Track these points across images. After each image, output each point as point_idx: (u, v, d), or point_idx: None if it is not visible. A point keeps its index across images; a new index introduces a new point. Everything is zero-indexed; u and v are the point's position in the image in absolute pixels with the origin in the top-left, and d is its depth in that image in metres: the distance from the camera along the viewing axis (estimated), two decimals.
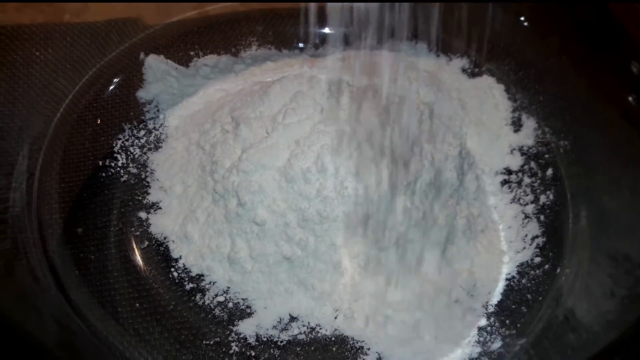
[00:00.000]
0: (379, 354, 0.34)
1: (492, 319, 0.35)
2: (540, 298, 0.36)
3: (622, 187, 0.35)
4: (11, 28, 0.44)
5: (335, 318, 0.36)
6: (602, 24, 0.40)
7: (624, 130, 0.36)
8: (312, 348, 0.35)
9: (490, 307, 0.36)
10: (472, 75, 0.48)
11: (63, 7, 0.48)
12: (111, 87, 0.45)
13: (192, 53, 0.48)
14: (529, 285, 0.37)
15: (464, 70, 0.48)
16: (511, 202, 0.41)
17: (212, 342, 0.35)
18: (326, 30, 0.49)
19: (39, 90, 0.42)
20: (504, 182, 0.42)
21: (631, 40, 0.38)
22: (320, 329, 0.35)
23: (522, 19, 0.46)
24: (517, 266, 0.38)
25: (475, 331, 0.35)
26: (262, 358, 0.34)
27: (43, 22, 0.46)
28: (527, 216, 0.40)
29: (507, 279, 0.37)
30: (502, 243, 0.39)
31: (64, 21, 0.48)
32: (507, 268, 0.38)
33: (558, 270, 0.37)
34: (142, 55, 0.47)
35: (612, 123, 0.37)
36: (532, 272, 0.37)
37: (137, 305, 0.36)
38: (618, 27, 0.39)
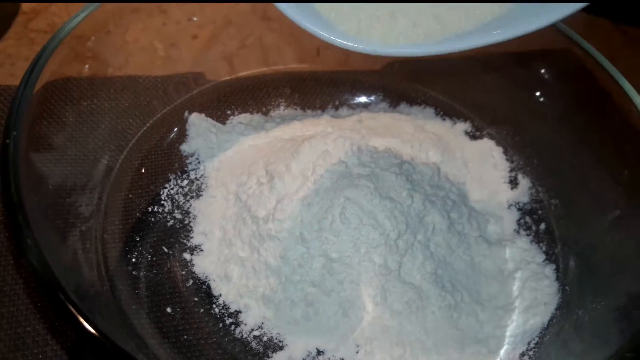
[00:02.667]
0: None
1: None
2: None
3: (607, 243, 0.41)
4: (62, 81, 0.47)
5: (357, 353, 0.41)
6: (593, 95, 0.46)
7: (611, 191, 0.43)
8: None
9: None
10: (474, 137, 0.54)
11: (107, 62, 0.51)
12: (160, 141, 0.51)
13: (228, 112, 0.54)
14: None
15: (466, 133, 0.54)
16: None
17: None
18: (342, 97, 0.56)
19: (102, 143, 0.47)
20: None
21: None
22: None
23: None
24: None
25: None
26: None
27: (91, 76, 0.50)
28: None
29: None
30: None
31: (107, 75, 0.54)
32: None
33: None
34: (186, 113, 0.52)
35: (599, 185, 0.44)
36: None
37: (185, 337, 0.40)
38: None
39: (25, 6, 0.70)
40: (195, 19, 0.57)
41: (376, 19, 0.34)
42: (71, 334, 0.41)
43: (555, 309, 0.41)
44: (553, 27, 0.46)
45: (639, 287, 0.33)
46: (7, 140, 0.32)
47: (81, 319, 0.29)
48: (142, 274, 0.43)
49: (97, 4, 0.45)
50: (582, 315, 0.38)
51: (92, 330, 0.29)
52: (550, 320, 0.41)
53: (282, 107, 0.56)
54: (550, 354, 0.38)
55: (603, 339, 0.33)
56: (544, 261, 0.45)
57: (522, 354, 0.40)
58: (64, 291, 0.30)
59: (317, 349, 0.40)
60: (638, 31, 0.82)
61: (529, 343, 0.40)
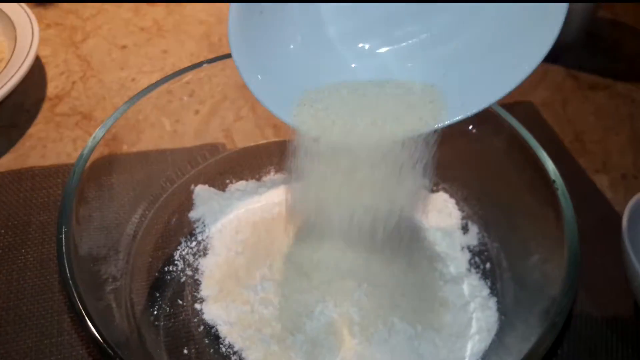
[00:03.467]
0: None
1: None
2: None
3: (533, 279, 0.51)
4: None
5: None
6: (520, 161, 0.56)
7: (534, 239, 0.53)
8: None
9: None
10: (432, 192, 0.64)
11: (122, 140, 0.59)
12: (172, 212, 0.61)
13: (227, 181, 0.64)
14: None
15: (426, 188, 0.65)
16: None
17: None
18: None
19: (124, 214, 0.57)
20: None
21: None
22: None
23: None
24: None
25: None
26: None
27: (109, 154, 0.57)
28: None
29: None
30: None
31: (122, 152, 0.64)
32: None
33: None
34: (192, 186, 0.63)
35: (525, 234, 0.54)
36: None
37: None
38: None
39: (49, 92, 0.82)
40: None
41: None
42: None
43: (495, 335, 0.51)
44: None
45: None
46: (60, 236, 0.43)
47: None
48: (162, 323, 0.52)
49: (128, 105, 0.55)
50: (513, 339, 0.48)
51: None
52: (491, 344, 0.50)
53: (272, 173, 0.66)
54: None
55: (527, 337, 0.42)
56: (488, 295, 0.54)
57: None
58: (104, 338, 0.40)
59: None
60: (588, 77, 0.93)
61: None
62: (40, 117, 0.78)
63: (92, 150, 0.51)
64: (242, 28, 0.39)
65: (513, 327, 0.49)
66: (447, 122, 0.42)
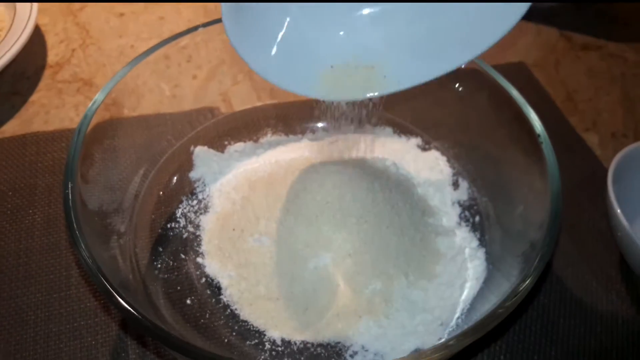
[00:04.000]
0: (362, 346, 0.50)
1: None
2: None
3: (516, 230, 0.54)
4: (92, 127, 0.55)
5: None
6: (507, 115, 0.58)
7: (519, 191, 0.55)
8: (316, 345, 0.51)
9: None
10: (424, 150, 0.65)
11: (123, 105, 0.60)
12: (173, 172, 0.63)
13: (226, 142, 0.66)
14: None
15: (418, 147, 0.66)
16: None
17: (252, 343, 0.50)
18: (319, 124, 0.69)
19: (127, 174, 0.59)
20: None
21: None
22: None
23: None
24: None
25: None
26: (286, 352, 0.50)
27: (111, 118, 0.59)
28: None
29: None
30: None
31: (123, 115, 0.65)
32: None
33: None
34: (192, 147, 0.65)
35: (511, 187, 0.56)
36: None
37: (202, 321, 0.52)
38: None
39: (50, 60, 0.83)
40: None
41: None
42: (115, 325, 0.54)
43: (482, 283, 0.53)
44: None
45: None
46: (67, 191, 0.45)
47: (125, 305, 0.41)
48: (166, 276, 0.55)
49: (127, 69, 0.57)
50: (495, 288, 0.50)
51: (136, 314, 0.42)
52: (479, 291, 0.53)
53: (269, 135, 0.68)
54: (475, 317, 0.50)
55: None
56: (477, 246, 0.57)
57: (458, 318, 0.52)
58: (113, 287, 0.42)
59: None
60: (581, 38, 0.94)
61: (462, 309, 0.52)
62: (42, 84, 0.80)
63: (94, 111, 0.52)
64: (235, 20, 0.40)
65: (499, 273, 0.51)
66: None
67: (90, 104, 0.53)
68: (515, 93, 0.54)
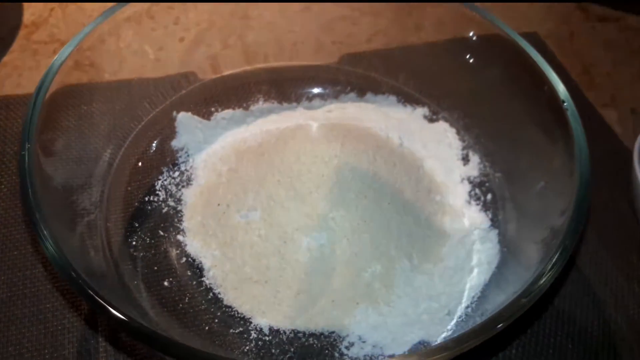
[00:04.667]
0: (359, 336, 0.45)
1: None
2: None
3: (534, 209, 0.48)
4: (65, 88, 0.51)
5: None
6: (527, 82, 0.52)
7: (538, 167, 0.49)
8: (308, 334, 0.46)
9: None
10: (431, 121, 0.60)
11: (103, 68, 0.56)
12: (152, 139, 0.57)
13: (212, 109, 0.60)
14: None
15: (424, 117, 0.60)
16: None
17: (237, 331, 0.45)
18: (315, 89, 0.63)
19: (102, 143, 0.53)
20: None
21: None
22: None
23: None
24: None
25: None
26: (274, 342, 0.45)
27: (89, 82, 0.55)
28: None
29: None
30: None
31: (104, 80, 0.60)
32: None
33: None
34: (174, 113, 0.59)
35: (530, 161, 0.50)
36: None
37: (180, 305, 0.47)
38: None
39: (26, 19, 0.77)
40: None
41: None
42: (84, 307, 0.48)
43: (495, 267, 0.48)
44: (482, 16, 0.52)
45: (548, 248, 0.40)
46: (23, 152, 0.39)
47: (91, 292, 0.36)
48: (141, 254, 0.49)
49: (99, 20, 0.51)
50: (512, 274, 0.45)
51: (102, 302, 0.36)
52: (491, 277, 0.48)
53: (260, 102, 0.62)
54: (486, 305, 0.45)
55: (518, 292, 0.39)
56: (489, 227, 0.51)
57: (467, 307, 0.47)
58: (76, 272, 0.37)
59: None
60: (598, 9, 0.87)
61: (472, 297, 0.47)
62: (16, 45, 0.73)
63: (60, 64, 0.47)
64: None
65: (515, 259, 0.46)
66: None
67: (56, 56, 0.47)
68: (535, 55, 0.48)
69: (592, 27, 0.84)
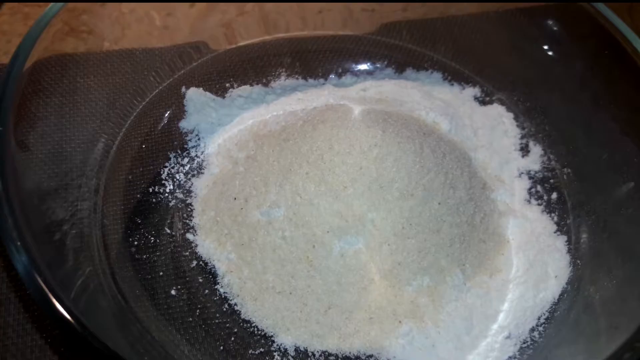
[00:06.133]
0: None
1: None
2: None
3: (622, 215, 0.40)
4: (57, 57, 0.46)
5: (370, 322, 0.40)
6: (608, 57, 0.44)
7: (626, 162, 0.41)
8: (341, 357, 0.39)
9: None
10: (484, 103, 0.52)
11: (102, 36, 0.50)
12: (157, 119, 0.50)
13: (227, 85, 0.53)
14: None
15: (476, 99, 0.52)
16: None
17: (257, 352, 0.39)
18: (345, 64, 0.55)
19: (100, 121, 0.46)
20: None
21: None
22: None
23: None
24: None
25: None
26: None
27: (87, 52, 0.49)
28: None
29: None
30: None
31: (103, 49, 0.53)
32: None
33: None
34: (183, 88, 0.51)
35: (614, 155, 0.42)
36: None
37: (190, 319, 0.40)
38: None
39: None
40: None
41: None
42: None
43: (566, 284, 0.40)
44: None
45: None
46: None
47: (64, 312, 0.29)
48: (144, 256, 0.43)
49: None
50: (593, 293, 0.38)
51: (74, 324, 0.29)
52: (561, 295, 0.40)
53: (283, 77, 0.54)
54: (560, 332, 0.37)
55: (615, 323, 0.32)
56: (555, 232, 0.44)
57: (532, 330, 0.39)
58: (48, 285, 0.29)
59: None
60: None
61: (538, 318, 0.40)
62: (6, 7, 0.66)
63: (46, 23, 0.39)
64: None
65: (596, 275, 0.38)
66: None
67: (41, 15, 0.40)
68: (621, 24, 0.40)
69: None
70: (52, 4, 0.41)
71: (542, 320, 0.39)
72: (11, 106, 0.34)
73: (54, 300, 0.28)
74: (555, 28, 0.46)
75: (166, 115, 0.50)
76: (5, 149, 0.31)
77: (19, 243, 0.29)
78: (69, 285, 0.32)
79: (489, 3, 0.53)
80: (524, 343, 0.39)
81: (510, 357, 0.38)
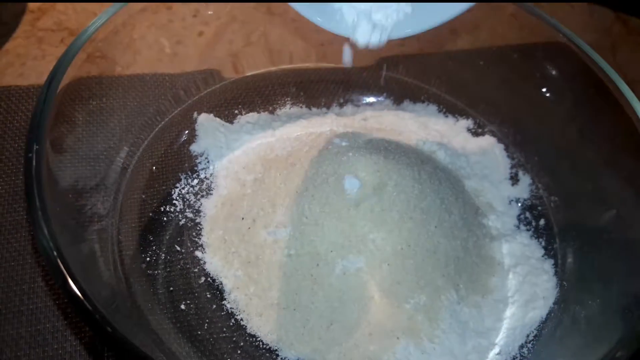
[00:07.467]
0: None
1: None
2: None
3: (605, 240, 0.43)
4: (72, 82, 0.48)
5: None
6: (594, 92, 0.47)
7: (609, 190, 0.44)
8: None
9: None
10: (476, 134, 0.55)
11: (114, 60, 0.52)
12: (171, 142, 0.52)
13: (236, 111, 0.55)
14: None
15: (469, 130, 0.55)
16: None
17: None
18: (346, 95, 0.57)
19: (114, 143, 0.48)
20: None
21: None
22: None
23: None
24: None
25: None
26: None
27: (99, 75, 0.50)
28: None
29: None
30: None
31: (115, 73, 0.55)
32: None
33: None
34: (195, 114, 0.53)
35: (597, 184, 0.45)
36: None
37: (199, 332, 0.42)
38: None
39: (32, 5, 0.71)
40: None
41: None
42: (88, 330, 0.43)
43: (553, 304, 0.43)
44: (546, 22, 0.47)
45: (635, 287, 0.35)
46: (30, 154, 0.34)
47: (97, 317, 0.31)
48: (156, 272, 0.44)
49: (112, 10, 0.46)
50: (578, 311, 0.40)
51: (107, 329, 0.31)
52: (549, 314, 0.42)
53: (288, 106, 0.57)
54: (548, 348, 0.40)
55: (598, 337, 0.35)
56: (542, 256, 0.46)
57: (521, 347, 0.41)
58: (81, 290, 0.31)
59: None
60: (638, 21, 0.83)
61: (527, 336, 0.42)
62: (20, 31, 0.68)
63: (73, 55, 0.41)
64: None
65: (580, 296, 0.41)
66: None
67: (68, 47, 0.42)
68: (604, 64, 0.43)
69: (636, 41, 0.79)
70: (79, 35, 0.43)
71: (530, 338, 0.42)
72: (45, 129, 0.36)
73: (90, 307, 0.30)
74: (544, 66, 0.49)
75: (179, 138, 0.52)
76: (40, 164, 0.34)
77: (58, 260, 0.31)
78: (99, 289, 0.35)
79: (481, 40, 0.56)
80: (514, 359, 0.41)
81: None
